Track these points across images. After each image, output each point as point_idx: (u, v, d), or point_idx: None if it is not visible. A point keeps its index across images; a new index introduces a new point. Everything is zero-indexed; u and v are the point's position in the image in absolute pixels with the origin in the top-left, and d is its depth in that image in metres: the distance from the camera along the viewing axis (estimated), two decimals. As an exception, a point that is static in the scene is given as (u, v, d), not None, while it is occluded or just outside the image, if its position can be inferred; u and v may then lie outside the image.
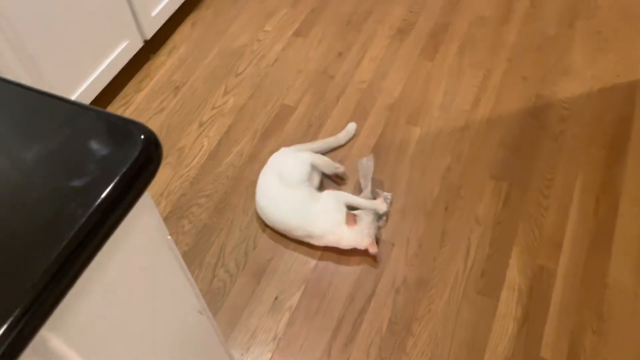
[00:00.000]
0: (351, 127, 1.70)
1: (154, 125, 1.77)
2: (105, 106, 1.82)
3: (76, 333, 0.50)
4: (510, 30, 1.93)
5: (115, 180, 0.46)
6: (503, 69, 1.82)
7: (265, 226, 1.52)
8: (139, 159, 0.48)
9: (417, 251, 1.45)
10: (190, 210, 1.57)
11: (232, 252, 1.48)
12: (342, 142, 1.68)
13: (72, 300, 0.48)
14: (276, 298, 1.40)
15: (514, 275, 1.39)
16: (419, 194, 1.56)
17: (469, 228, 1.48)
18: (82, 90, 1.65)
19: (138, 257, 0.56)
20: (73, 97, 1.62)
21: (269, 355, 1.31)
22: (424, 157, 1.64)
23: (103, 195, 0.46)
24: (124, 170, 0.47)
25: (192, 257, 1.48)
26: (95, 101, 1.76)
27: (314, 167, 1.54)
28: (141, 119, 1.79)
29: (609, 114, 1.66)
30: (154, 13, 1.86)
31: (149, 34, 1.87)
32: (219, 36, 2.02)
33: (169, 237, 0.67)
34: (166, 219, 1.55)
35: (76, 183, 0.46)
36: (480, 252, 1.44)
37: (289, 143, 1.69)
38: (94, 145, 0.49)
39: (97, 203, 0.46)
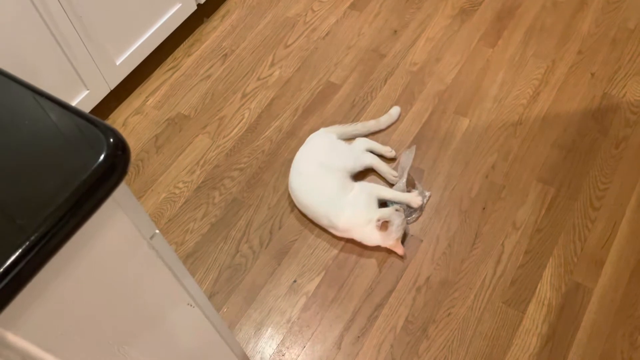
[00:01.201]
0: (394, 111, 1.63)
1: (198, 92, 1.78)
2: (154, 68, 1.84)
3: (37, 331, 0.50)
4: (585, 18, 1.76)
5: (72, 190, 0.45)
6: (570, 62, 1.67)
7: (293, 207, 1.50)
8: (100, 167, 0.47)
9: (445, 250, 1.39)
10: (223, 182, 1.58)
11: (257, 229, 1.48)
12: (382, 126, 1.62)
13: (29, 301, 0.47)
14: (295, 281, 1.39)
15: (546, 289, 1.31)
16: (456, 190, 1.48)
17: (504, 233, 1.40)
18: (130, 51, 1.66)
19: (107, 258, 0.56)
20: (122, 58, 1.65)
21: (280, 337, 1.32)
22: (468, 151, 1.55)
23: (59, 202, 0.45)
24: (84, 178, 0.46)
25: (219, 229, 1.49)
26: (145, 63, 1.78)
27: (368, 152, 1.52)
28: (188, 84, 1.80)
29: (684, 123, 1.50)
30: (209, -23, 1.84)
31: (203, -1, 1.85)
32: (274, 3, 1.98)
33: (157, 231, 0.65)
34: (198, 189, 1.57)
35: (30, 189, 0.45)
36: (513, 260, 1.36)
37: (329, 123, 1.65)
38: (56, 148, 0.48)
39: (50, 211, 0.45)
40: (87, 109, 1.61)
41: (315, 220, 1.45)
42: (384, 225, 1.34)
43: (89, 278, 0.55)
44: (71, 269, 0.51)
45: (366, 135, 1.60)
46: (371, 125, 1.60)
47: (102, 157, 0.47)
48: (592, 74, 1.63)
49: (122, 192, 0.54)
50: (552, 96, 1.61)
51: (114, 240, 0.55)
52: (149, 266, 0.63)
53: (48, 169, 0.48)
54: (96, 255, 0.53)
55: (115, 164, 0.48)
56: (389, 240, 1.35)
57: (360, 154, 1.51)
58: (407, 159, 1.50)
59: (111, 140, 0.49)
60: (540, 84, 1.64)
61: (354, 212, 1.37)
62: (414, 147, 1.52)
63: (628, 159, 1.46)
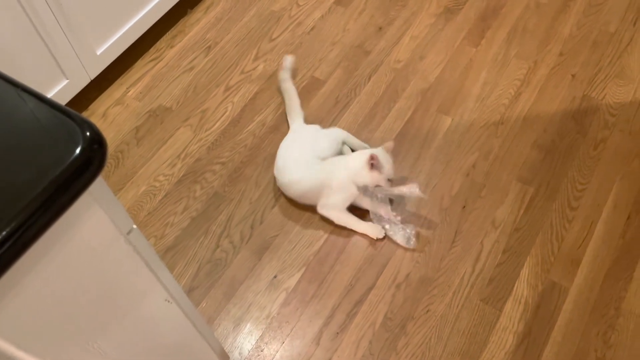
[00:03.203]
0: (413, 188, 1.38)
1: (181, 84, 1.76)
2: (136, 59, 1.82)
3: (7, 327, 0.49)
4: (567, 20, 1.78)
5: (46, 183, 0.44)
6: (552, 64, 1.69)
7: (275, 202, 1.50)
8: (76, 161, 0.46)
9: (425, 248, 1.40)
10: (204, 176, 1.56)
11: (238, 224, 1.47)
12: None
13: (0, 296, 0.46)
14: (275, 276, 1.39)
15: (523, 288, 1.32)
16: (438, 188, 1.49)
17: (484, 231, 1.41)
18: (112, 41, 1.64)
19: (82, 253, 0.55)
20: (103, 48, 1.62)
21: (259, 333, 1.31)
22: (450, 149, 1.56)
23: (33, 196, 0.44)
24: (59, 171, 0.45)
25: (199, 223, 1.48)
26: (127, 53, 1.75)
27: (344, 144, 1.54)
28: (170, 75, 1.78)
29: (660, 126, 1.53)
30: (194, -33, 1.81)
31: (187, -11, 1.83)
32: (259, -3, 1.96)
33: (134, 226, 0.65)
34: (179, 182, 1.56)
35: (4, 182, 0.44)
36: (492, 258, 1.37)
37: (312, 119, 1.64)
38: (31, 140, 0.47)
39: (24, 204, 0.44)
40: (66, 98, 1.58)
41: (303, 195, 1.44)
42: (375, 163, 1.35)
43: (63, 273, 0.54)
44: (44, 264, 0.50)
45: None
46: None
47: (78, 150, 0.46)
48: (573, 76, 1.66)
49: (98, 187, 0.53)
50: (533, 97, 1.63)
51: (90, 235, 0.54)
52: (126, 262, 0.62)
53: (22, 162, 0.47)
54: (71, 250, 0.52)
55: (92, 158, 0.47)
56: (381, 180, 1.36)
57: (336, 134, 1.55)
58: (410, 193, 1.38)
59: (87, 133, 0.48)
60: (522, 84, 1.66)
61: (347, 162, 1.41)
62: (415, 185, 1.38)
63: (606, 160, 1.49)
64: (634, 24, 1.74)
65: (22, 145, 0.49)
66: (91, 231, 0.54)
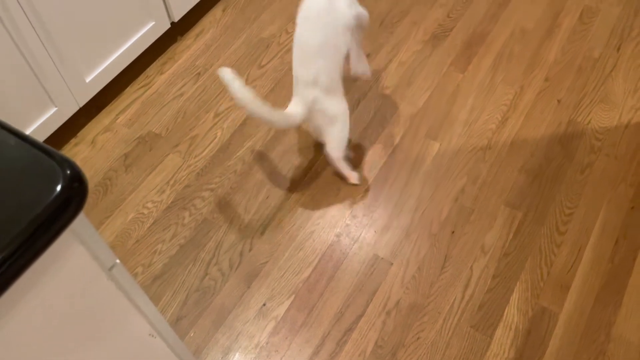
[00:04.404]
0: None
1: (170, 110, 1.76)
2: (126, 86, 1.82)
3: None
4: (552, 46, 1.81)
5: (25, 224, 0.44)
6: (537, 89, 1.71)
7: (264, 229, 1.49)
8: (56, 200, 0.45)
9: (415, 274, 1.40)
10: (193, 202, 1.56)
11: (227, 251, 1.46)
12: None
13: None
14: (264, 304, 1.37)
15: (513, 314, 1.32)
16: (427, 213, 1.49)
17: (473, 256, 1.41)
18: (101, 69, 1.64)
19: (63, 291, 0.54)
20: (92, 76, 1.62)
21: (248, 362, 1.30)
22: (438, 174, 1.56)
23: (11, 238, 0.44)
24: (38, 212, 0.45)
25: (187, 251, 1.47)
26: (116, 80, 1.76)
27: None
28: (160, 102, 1.79)
29: (645, 150, 1.54)
30: (184, -4, 1.83)
31: (177, 17, 1.84)
32: (248, 24, 1.98)
33: (117, 261, 0.64)
34: (168, 209, 1.55)
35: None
36: (481, 284, 1.37)
37: (301, 145, 1.65)
38: (9, 179, 0.46)
39: (3, 246, 0.43)
40: (54, 126, 1.58)
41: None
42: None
43: (43, 311, 0.53)
44: (24, 303, 0.49)
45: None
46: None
47: (57, 189, 0.46)
48: (559, 101, 1.68)
49: (79, 224, 0.52)
50: (520, 122, 1.65)
51: (71, 273, 0.54)
52: (108, 298, 0.61)
53: (1, 202, 0.47)
54: (51, 288, 0.52)
55: (72, 197, 0.47)
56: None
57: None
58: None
59: (67, 172, 0.48)
60: (509, 109, 1.68)
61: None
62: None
63: (592, 184, 1.50)
64: (618, 49, 1.77)
65: (1, 184, 0.48)
66: (72, 269, 0.53)
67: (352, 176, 1.55)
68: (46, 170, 0.48)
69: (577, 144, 1.58)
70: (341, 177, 1.57)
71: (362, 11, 1.46)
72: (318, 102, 1.39)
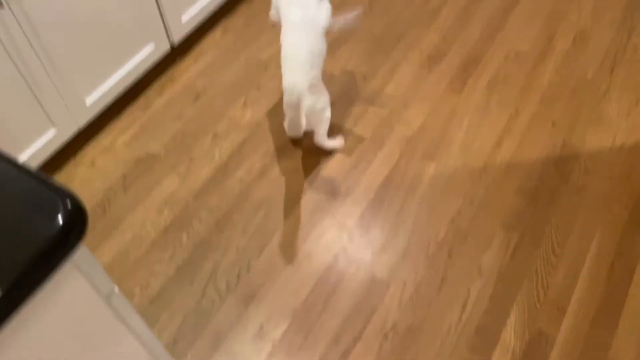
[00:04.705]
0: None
1: (169, 132, 1.78)
2: (125, 107, 1.84)
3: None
4: (547, 68, 1.83)
5: (26, 259, 0.45)
6: (532, 111, 1.73)
7: (262, 249, 1.50)
8: (57, 233, 0.46)
9: (412, 295, 1.40)
10: (191, 223, 1.57)
11: (225, 272, 1.47)
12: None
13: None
14: (261, 327, 1.37)
15: (510, 336, 1.32)
16: (423, 234, 1.50)
17: (470, 278, 1.42)
18: (101, 91, 1.66)
19: (61, 321, 0.55)
20: (92, 98, 1.64)
21: (245, 385, 1.29)
22: (435, 196, 1.58)
23: (14, 275, 0.44)
24: (39, 246, 0.45)
25: (184, 272, 1.47)
26: (116, 102, 1.78)
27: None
28: (159, 123, 1.80)
29: (639, 173, 1.56)
30: (184, 19, 1.86)
31: (177, 39, 1.87)
32: (247, 46, 2.01)
33: (115, 288, 0.65)
34: (166, 230, 1.55)
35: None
36: (478, 306, 1.37)
37: (299, 165, 1.66)
38: (9, 212, 0.47)
39: (3, 281, 0.44)
40: (54, 147, 1.59)
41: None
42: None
43: (41, 340, 0.53)
44: (23, 331, 0.50)
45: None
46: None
47: (58, 222, 0.47)
48: (553, 123, 1.70)
49: (79, 254, 0.53)
50: (515, 143, 1.66)
51: (69, 301, 0.54)
52: (106, 324, 0.62)
53: (2, 236, 0.48)
54: (50, 317, 0.52)
55: (72, 229, 0.48)
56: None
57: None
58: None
59: (68, 203, 0.49)
60: (504, 131, 1.69)
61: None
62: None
63: (587, 206, 1.51)
64: (611, 72, 1.80)
65: (2, 215, 0.49)
66: (71, 298, 0.54)
67: (339, 143, 1.69)
68: (47, 202, 0.49)
69: (572, 165, 1.60)
70: (328, 153, 1.59)
71: (328, 6, 1.58)
72: (314, 103, 1.51)
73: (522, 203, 1.54)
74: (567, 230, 1.47)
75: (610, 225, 1.47)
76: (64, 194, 0.49)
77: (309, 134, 1.67)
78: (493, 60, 1.88)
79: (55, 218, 0.47)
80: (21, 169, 0.52)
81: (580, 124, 1.68)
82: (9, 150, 1.47)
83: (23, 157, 1.51)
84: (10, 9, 1.31)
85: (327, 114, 1.59)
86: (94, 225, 1.58)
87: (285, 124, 1.67)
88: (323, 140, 1.65)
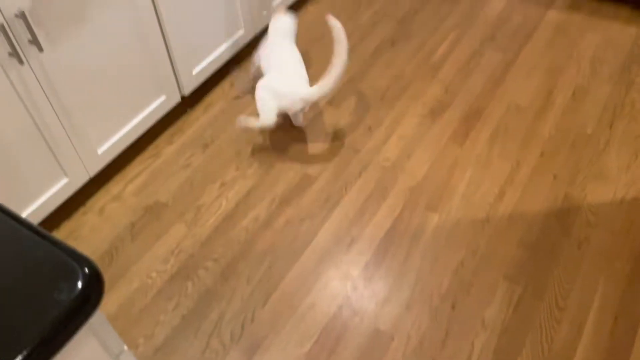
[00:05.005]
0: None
1: (178, 180, 1.82)
2: (135, 156, 1.89)
3: None
4: (547, 122, 1.88)
5: (46, 325, 0.47)
6: (533, 164, 1.77)
7: (266, 299, 1.51)
8: (75, 300, 0.49)
9: (416, 348, 1.40)
10: (197, 272, 1.58)
11: (229, 323, 1.47)
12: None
13: None
14: (264, 378, 1.37)
15: (515, 392, 1.31)
16: (427, 286, 1.51)
17: (474, 331, 1.42)
18: (113, 141, 1.71)
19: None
20: (104, 148, 1.69)
21: None
22: (438, 247, 1.59)
23: (33, 343, 0.47)
24: (58, 313, 0.48)
25: (189, 322, 1.48)
26: (126, 151, 1.83)
27: None
28: (168, 172, 1.85)
29: (639, 227, 1.58)
30: (195, 71, 1.93)
31: (188, 91, 1.94)
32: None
33: (125, 348, 0.66)
34: (172, 279, 1.57)
35: (1, 324, 0.47)
36: (482, 360, 1.37)
37: (304, 214, 1.69)
38: (29, 278, 0.50)
39: (22, 349, 0.46)
40: (65, 196, 1.63)
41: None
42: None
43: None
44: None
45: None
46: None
47: (77, 289, 0.50)
48: (554, 176, 1.73)
49: (95, 318, 0.55)
50: (516, 195, 1.69)
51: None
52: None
53: (21, 302, 0.50)
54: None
55: (90, 296, 0.50)
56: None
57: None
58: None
59: (86, 270, 0.52)
60: (506, 183, 1.73)
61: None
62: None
63: (589, 259, 1.52)
64: (610, 126, 1.84)
65: (21, 283, 0.52)
66: (82, 358, 0.56)
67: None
68: (65, 269, 0.52)
69: (573, 218, 1.62)
70: (333, 202, 1.60)
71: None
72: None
73: (524, 255, 1.55)
74: (569, 283, 1.48)
75: (612, 278, 1.48)
76: (83, 261, 0.52)
77: (312, 179, 1.71)
78: (494, 113, 1.93)
79: (75, 285, 0.50)
80: (43, 235, 0.55)
81: (580, 177, 1.71)
82: (22, 199, 1.51)
83: (35, 206, 1.55)
84: (30, 65, 1.37)
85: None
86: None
87: (261, 122, 1.81)
88: (302, 122, 1.96)
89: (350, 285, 1.53)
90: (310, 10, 2.41)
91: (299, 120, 1.95)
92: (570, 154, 1.78)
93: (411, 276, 1.54)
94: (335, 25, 1.67)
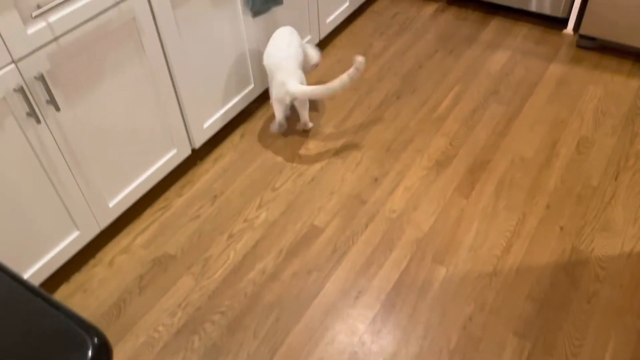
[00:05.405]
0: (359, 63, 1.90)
1: (187, 232, 1.84)
2: (145, 208, 1.92)
3: None
4: (552, 174, 1.90)
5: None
6: (540, 216, 1.77)
7: (272, 354, 1.50)
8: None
9: (424, 407, 1.37)
10: (203, 326, 1.58)
11: (235, 378, 1.46)
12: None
13: None
14: None
15: None
16: (435, 341, 1.50)
17: (483, 389, 1.39)
18: (124, 194, 1.75)
19: None
20: (115, 201, 1.72)
21: None
22: (446, 300, 1.58)
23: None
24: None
25: (195, 377, 1.47)
26: (137, 204, 1.86)
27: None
28: (177, 223, 1.87)
29: (650, 280, 1.57)
30: (205, 125, 1.99)
31: (198, 144, 1.98)
32: (264, 149, 2.12)
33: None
34: (178, 333, 1.57)
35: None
36: (493, 420, 1.34)
37: (311, 266, 1.70)
38: (38, 348, 0.51)
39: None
40: (75, 249, 1.66)
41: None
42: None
43: None
44: None
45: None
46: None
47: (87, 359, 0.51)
48: (561, 228, 1.73)
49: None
50: (524, 248, 1.69)
51: None
52: None
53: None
54: None
55: (97, 368, 0.52)
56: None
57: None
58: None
59: (95, 341, 0.53)
60: (512, 235, 1.73)
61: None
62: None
63: (599, 314, 1.50)
64: (615, 178, 1.85)
65: (32, 354, 0.53)
66: None
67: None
68: (75, 340, 0.53)
69: (581, 272, 1.61)
70: (340, 254, 1.60)
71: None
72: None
73: (533, 309, 1.54)
74: (580, 338, 1.46)
75: (623, 334, 1.46)
76: (92, 331, 0.53)
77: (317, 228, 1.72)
78: (499, 166, 1.95)
79: (85, 356, 0.51)
80: (53, 303, 0.57)
81: (587, 230, 1.71)
82: (34, 252, 1.54)
83: (47, 259, 1.57)
84: (46, 124, 1.42)
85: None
86: (108, 328, 1.60)
87: (275, 125, 2.16)
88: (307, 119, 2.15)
89: (358, 340, 1.52)
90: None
91: (303, 120, 2.14)
92: (577, 206, 1.79)
93: (419, 331, 1.52)
94: (360, 59, 1.87)
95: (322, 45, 2.56)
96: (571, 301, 1.54)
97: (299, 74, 2.01)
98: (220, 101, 2.02)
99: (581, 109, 2.13)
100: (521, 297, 1.57)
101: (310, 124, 2.17)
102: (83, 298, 1.67)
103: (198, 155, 2.09)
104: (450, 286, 1.62)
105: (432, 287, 1.62)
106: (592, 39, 2.38)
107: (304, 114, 2.13)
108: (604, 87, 2.22)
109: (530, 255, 1.67)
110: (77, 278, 1.73)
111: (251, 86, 2.15)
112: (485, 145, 2.03)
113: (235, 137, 2.18)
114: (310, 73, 2.35)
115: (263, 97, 2.31)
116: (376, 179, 1.96)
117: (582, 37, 2.39)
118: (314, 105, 2.27)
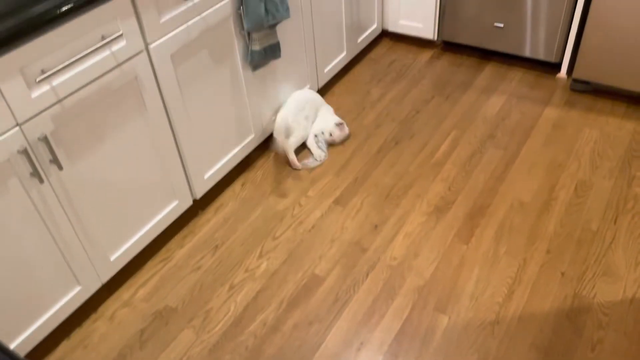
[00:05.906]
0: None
1: (188, 283, 1.84)
2: (147, 260, 1.93)
3: None
4: (551, 219, 1.90)
5: None
6: (540, 261, 1.77)
7: (274, 410, 1.48)
8: None
9: None
10: (204, 381, 1.57)
11: None
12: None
13: None
14: None
15: None
16: (438, 393, 1.47)
17: None
18: (126, 247, 1.76)
19: None
20: (116, 255, 1.73)
21: None
22: (449, 350, 1.57)
23: None
24: None
25: None
26: (138, 256, 1.87)
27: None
28: (178, 275, 1.87)
29: (655, 326, 1.55)
30: (206, 176, 2.01)
31: (199, 195, 2.01)
32: (264, 197, 2.14)
33: None
34: (179, 389, 1.55)
35: None
36: None
37: (312, 317, 1.69)
38: None
39: None
40: (77, 304, 1.66)
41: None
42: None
43: None
44: None
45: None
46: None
47: None
48: (562, 273, 1.72)
49: None
50: (526, 295, 1.68)
51: None
52: None
53: None
54: None
55: None
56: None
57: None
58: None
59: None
60: (514, 282, 1.72)
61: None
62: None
63: (605, 363, 1.48)
64: (615, 221, 1.85)
65: None
66: None
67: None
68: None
69: (584, 318, 1.59)
70: (340, 306, 1.58)
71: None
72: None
73: (537, 358, 1.52)
74: (586, 389, 1.44)
75: (630, 384, 1.43)
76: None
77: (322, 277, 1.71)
78: (498, 211, 1.96)
79: None
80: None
81: (589, 275, 1.71)
82: (36, 308, 1.54)
83: (48, 315, 1.58)
84: (49, 183, 1.45)
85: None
86: (108, 384, 1.59)
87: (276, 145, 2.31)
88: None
89: (360, 394, 1.50)
90: (317, 112, 2.53)
91: (315, 154, 2.30)
92: (577, 250, 1.78)
93: (422, 383, 1.50)
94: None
95: (321, 93, 2.61)
96: (575, 349, 1.52)
97: (301, 136, 2.27)
98: (221, 152, 2.06)
99: (578, 152, 2.15)
100: (525, 346, 1.55)
101: (298, 165, 2.28)
102: (84, 354, 1.66)
103: (199, 206, 2.11)
104: (453, 335, 1.61)
105: (434, 337, 1.61)
106: (586, 82, 2.42)
107: (290, 155, 2.29)
108: (600, 129, 2.25)
109: (532, 302, 1.66)
110: (78, 333, 1.72)
111: (251, 136, 2.18)
112: (483, 190, 2.04)
113: (236, 186, 2.21)
114: (336, 144, 2.37)
115: (263, 146, 2.35)
116: (376, 226, 1.97)
117: (575, 80, 2.44)
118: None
